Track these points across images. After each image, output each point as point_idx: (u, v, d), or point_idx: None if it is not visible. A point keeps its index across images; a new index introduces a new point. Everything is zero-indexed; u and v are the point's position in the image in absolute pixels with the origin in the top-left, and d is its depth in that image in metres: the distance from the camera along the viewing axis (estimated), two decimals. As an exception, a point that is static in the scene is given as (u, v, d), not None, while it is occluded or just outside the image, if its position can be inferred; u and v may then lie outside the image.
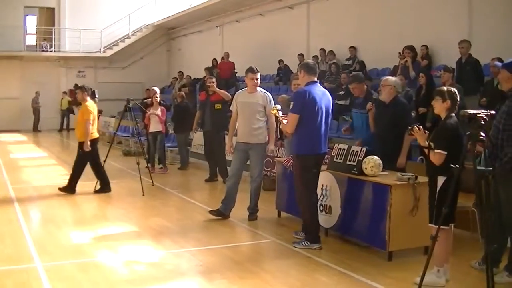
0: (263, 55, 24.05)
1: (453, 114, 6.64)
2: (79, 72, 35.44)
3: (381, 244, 7.82)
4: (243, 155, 10.15)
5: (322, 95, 8.33)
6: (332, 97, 8.89)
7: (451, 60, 13.59)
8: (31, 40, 34.85)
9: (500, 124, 6.72)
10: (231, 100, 11.40)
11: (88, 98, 12.60)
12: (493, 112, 6.16)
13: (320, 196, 8.92)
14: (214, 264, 7.70)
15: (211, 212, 10.30)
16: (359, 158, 8.25)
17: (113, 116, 29.28)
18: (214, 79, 14.60)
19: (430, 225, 6.64)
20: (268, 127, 10.15)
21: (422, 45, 15.66)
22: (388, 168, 8.42)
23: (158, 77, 33.03)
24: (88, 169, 12.77)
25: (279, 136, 12.66)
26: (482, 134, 5.76)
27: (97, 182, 12.95)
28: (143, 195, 12.61)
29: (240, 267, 7.57)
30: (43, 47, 33.93)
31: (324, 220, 8.85)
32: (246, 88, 10.23)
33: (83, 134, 12.31)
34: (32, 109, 33.13)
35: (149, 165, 14.81)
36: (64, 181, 12.83)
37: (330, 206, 8.83)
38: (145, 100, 17.74)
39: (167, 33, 36.57)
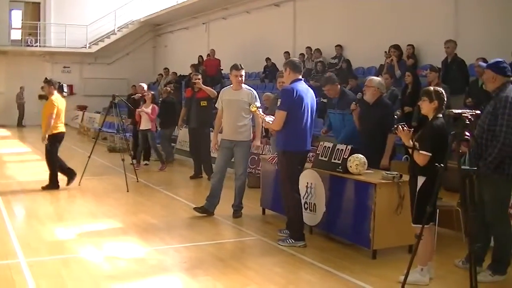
0: (249, 53, 24.04)
1: (440, 115, 6.66)
2: (65, 67, 35.29)
3: (365, 242, 7.84)
4: (227, 152, 10.15)
5: (307, 92, 8.37)
6: (317, 95, 8.93)
7: (437, 59, 13.64)
8: (16, 34, 34.59)
9: (485, 124, 6.76)
10: (217, 97, 11.39)
11: (55, 92, 12.56)
12: (478, 112, 6.19)
13: (305, 194, 8.93)
14: (198, 261, 7.69)
15: (195, 209, 10.29)
16: (344, 156, 8.26)
17: (98, 112, 29.24)
18: (200, 76, 14.57)
19: (413, 225, 6.67)
20: (254, 124, 10.16)
21: (408, 45, 15.70)
22: (373, 168, 8.45)
23: (143, 74, 32.91)
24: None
25: (264, 134, 12.68)
26: (467, 133, 5.78)
27: (81, 177, 12.93)
28: (128, 191, 12.57)
29: (224, 264, 7.56)
30: (28, 42, 33.67)
31: (309, 218, 8.86)
32: (232, 85, 10.24)
33: (48, 129, 12.28)
34: (16, 104, 32.95)
35: (134, 161, 14.78)
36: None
37: (314, 204, 8.83)
38: (133, 96, 17.68)
39: (153, 29, 36.46)
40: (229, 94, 10.18)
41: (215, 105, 10.78)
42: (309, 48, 20.20)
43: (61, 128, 12.52)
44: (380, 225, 7.63)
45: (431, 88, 6.94)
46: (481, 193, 6.82)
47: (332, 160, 8.47)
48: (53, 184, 12.51)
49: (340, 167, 8.29)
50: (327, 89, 9.85)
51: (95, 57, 35.44)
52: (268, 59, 22.48)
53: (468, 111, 5.92)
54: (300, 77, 8.46)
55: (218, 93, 11.54)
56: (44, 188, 12.46)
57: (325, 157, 8.65)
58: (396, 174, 7.75)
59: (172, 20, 32.86)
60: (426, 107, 6.76)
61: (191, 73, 20.34)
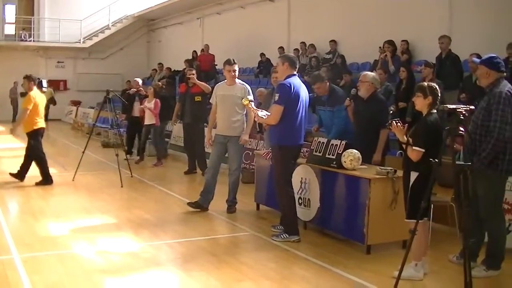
0: (243, 48, 24.02)
1: (434, 111, 6.66)
2: (58, 62, 35.23)
3: (359, 238, 7.85)
4: (221, 148, 10.15)
5: (302, 87, 8.41)
6: (310, 91, 8.98)
7: (431, 55, 13.64)
8: (10, 29, 34.41)
9: (479, 120, 6.78)
10: (211, 92, 11.38)
11: (34, 88, 12.53)
12: (472, 107, 6.19)
13: (299, 189, 8.93)
14: (192, 256, 7.68)
15: (189, 204, 10.28)
16: (339, 152, 8.26)
17: (92, 107, 29.20)
18: (194, 71, 14.56)
19: (406, 220, 6.68)
20: (247, 119, 10.16)
21: (402, 40, 15.71)
22: (367, 163, 8.47)
23: (137, 69, 32.79)
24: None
25: (258, 129, 12.67)
26: (461, 128, 5.78)
27: (75, 172, 12.92)
28: (122, 186, 12.57)
29: (218, 259, 7.56)
30: (22, 37, 33.55)
31: (303, 213, 8.87)
32: (226, 80, 10.23)
33: (28, 124, 12.27)
34: (10, 100, 32.85)
35: (129, 156, 14.74)
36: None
37: (309, 199, 8.83)
38: (128, 91, 17.66)
39: (147, 24, 36.38)
40: (223, 89, 10.18)
41: (210, 101, 10.77)
42: (303, 43, 20.22)
43: (41, 123, 12.49)
44: (374, 221, 7.63)
45: (425, 83, 6.94)
46: (475, 188, 6.82)
47: (327, 156, 8.47)
48: (46, 180, 12.48)
49: (334, 163, 8.28)
50: (316, 87, 9.84)
51: (89, 52, 35.33)
52: (262, 54, 22.47)
53: (462, 106, 5.92)
54: (295, 72, 8.48)
55: (213, 88, 11.52)
56: (38, 184, 12.43)
57: (319, 153, 8.65)
58: (390, 169, 7.75)
59: (166, 15, 32.79)
60: (420, 103, 6.76)
61: (185, 68, 20.31)
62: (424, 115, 6.72)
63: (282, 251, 7.90)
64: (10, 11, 34.97)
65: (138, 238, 8.60)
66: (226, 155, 10.29)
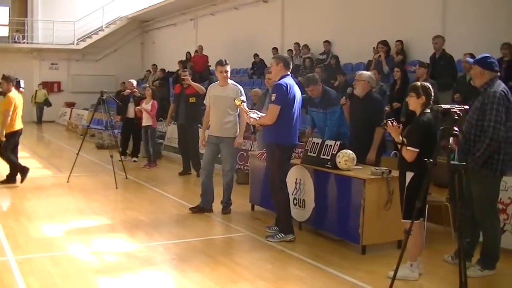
0: (237, 49, 24.02)
1: (428, 110, 6.67)
2: (52, 64, 35.19)
3: (354, 238, 7.85)
4: (214, 148, 10.15)
5: (295, 87, 8.42)
6: (303, 92, 9.04)
7: (425, 55, 13.65)
8: (3, 31, 34.24)
9: (473, 120, 6.79)
10: (205, 93, 11.38)
11: (13, 89, 12.51)
12: (466, 107, 6.20)
13: (294, 190, 8.93)
14: (187, 257, 7.67)
15: (191, 209, 10.27)
16: (333, 152, 8.27)
17: (86, 109, 29.14)
18: (188, 72, 14.56)
19: (403, 221, 6.68)
20: (240, 120, 10.16)
21: (397, 40, 15.71)
22: (362, 162, 8.47)
23: (131, 70, 32.79)
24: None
25: (252, 130, 12.66)
26: (456, 128, 5.78)
27: (70, 174, 12.90)
28: (116, 188, 12.56)
29: (213, 260, 7.55)
30: (16, 39, 33.48)
31: (298, 214, 8.87)
32: (219, 81, 10.23)
33: (5, 125, 12.22)
34: (3, 101, 32.74)
35: (123, 157, 14.73)
36: (36, 173, 12.68)
37: (303, 200, 8.83)
38: (122, 92, 17.63)
39: (141, 26, 36.34)
40: (216, 90, 10.17)
41: (203, 102, 10.77)
42: (297, 44, 20.20)
43: (18, 125, 12.46)
44: (369, 221, 7.64)
45: (418, 83, 6.95)
46: (469, 188, 6.83)
47: (321, 156, 8.48)
48: (11, 178, 12.57)
49: (329, 163, 8.30)
50: (310, 89, 9.84)
51: (82, 54, 35.28)
52: (256, 55, 22.45)
53: (456, 106, 5.92)
54: (289, 73, 8.50)
55: (206, 89, 11.52)
56: (2, 183, 12.51)
57: (314, 153, 8.66)
58: (385, 169, 7.76)
59: (160, 16, 32.76)
60: (414, 103, 6.77)
61: (179, 70, 20.30)
62: (417, 115, 6.73)
63: (277, 252, 7.90)
64: (4, 13, 34.84)
65: (133, 239, 8.59)
66: (219, 155, 10.28)
